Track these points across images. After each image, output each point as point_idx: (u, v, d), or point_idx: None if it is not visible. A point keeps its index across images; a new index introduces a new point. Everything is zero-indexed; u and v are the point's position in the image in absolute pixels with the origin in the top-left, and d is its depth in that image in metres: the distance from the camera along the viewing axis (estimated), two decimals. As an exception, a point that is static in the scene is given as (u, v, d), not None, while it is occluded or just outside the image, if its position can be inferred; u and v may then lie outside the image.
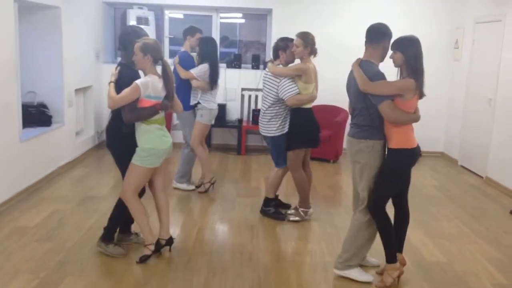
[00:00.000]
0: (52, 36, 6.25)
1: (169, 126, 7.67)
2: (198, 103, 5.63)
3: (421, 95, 3.51)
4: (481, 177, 6.99)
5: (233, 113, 8.31)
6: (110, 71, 4.05)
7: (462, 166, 7.65)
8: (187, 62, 5.59)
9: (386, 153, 3.64)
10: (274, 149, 4.96)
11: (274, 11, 8.06)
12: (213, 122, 5.90)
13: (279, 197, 5.30)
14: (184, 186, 5.88)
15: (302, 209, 5.02)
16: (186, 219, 4.98)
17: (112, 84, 3.75)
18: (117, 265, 3.87)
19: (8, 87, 5.08)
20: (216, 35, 8.28)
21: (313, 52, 4.73)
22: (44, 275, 3.65)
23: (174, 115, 7.59)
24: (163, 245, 4.03)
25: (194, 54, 5.76)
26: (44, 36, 6.22)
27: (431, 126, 8.10)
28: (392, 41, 3.59)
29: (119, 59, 4.12)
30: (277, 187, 5.15)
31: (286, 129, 4.83)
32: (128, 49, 3.85)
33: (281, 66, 4.82)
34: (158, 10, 8.32)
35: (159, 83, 3.78)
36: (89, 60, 7.49)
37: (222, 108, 7.84)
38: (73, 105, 6.85)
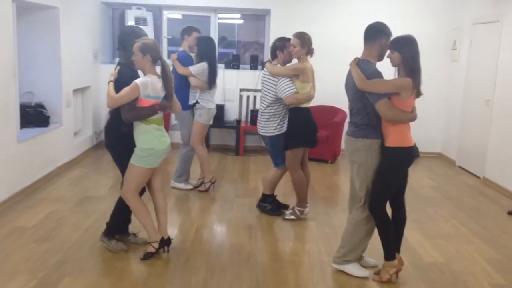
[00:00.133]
0: (50, 36, 6.24)
1: (167, 126, 7.67)
2: (197, 102, 5.64)
3: (418, 94, 3.55)
4: (479, 177, 7.00)
5: (232, 114, 8.32)
6: (108, 71, 4.06)
7: (459, 167, 7.66)
8: (185, 62, 5.60)
9: (383, 152, 3.65)
10: (272, 148, 4.97)
11: (273, 11, 8.07)
12: (211, 122, 5.91)
13: (277, 198, 5.31)
14: (182, 185, 5.89)
15: (298, 208, 5.04)
16: (184, 219, 4.98)
17: (112, 84, 3.76)
18: (115, 265, 3.87)
19: (6, 87, 5.08)
20: (214, 35, 8.28)
21: (310, 51, 4.77)
22: (42, 275, 3.64)
23: (172, 116, 7.60)
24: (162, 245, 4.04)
25: (193, 55, 5.77)
26: (42, 36, 6.22)
27: (429, 126, 8.12)
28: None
29: (117, 59, 4.13)
30: (274, 186, 5.18)
31: (284, 129, 4.85)
32: (127, 49, 3.85)
33: (279, 65, 4.85)
34: (157, 11, 8.32)
35: (158, 83, 3.78)
36: (87, 60, 7.49)
37: (220, 108, 7.84)
38: (71, 106, 6.84)
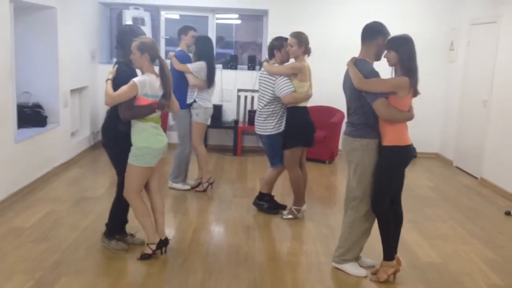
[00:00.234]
0: (47, 36, 6.23)
1: (165, 127, 7.66)
2: (194, 101, 5.64)
3: (415, 93, 3.57)
4: (476, 178, 7.01)
5: (229, 114, 8.32)
6: (106, 71, 4.06)
7: (457, 167, 7.67)
8: (183, 61, 5.61)
9: (381, 151, 3.66)
10: (270, 148, 4.98)
11: (270, 12, 8.07)
12: (209, 122, 5.90)
13: (275, 198, 5.32)
14: (179, 185, 5.89)
15: (294, 207, 5.05)
16: (181, 220, 4.98)
17: (110, 82, 3.76)
18: (113, 266, 3.87)
19: (3, 88, 5.07)
20: (212, 36, 8.27)
21: (307, 51, 4.79)
22: (39, 276, 3.64)
23: (170, 116, 7.59)
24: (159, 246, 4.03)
25: (190, 55, 5.77)
26: (40, 37, 6.21)
27: (427, 127, 8.14)
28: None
29: (114, 59, 4.13)
30: (271, 185, 5.19)
31: (282, 128, 4.86)
32: (125, 48, 3.86)
33: (276, 65, 4.86)
34: (154, 11, 8.31)
35: (156, 82, 3.79)
36: (84, 60, 7.48)
37: (218, 109, 7.84)
38: (69, 106, 6.83)
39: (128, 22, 7.72)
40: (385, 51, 3.60)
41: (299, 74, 4.71)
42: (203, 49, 5.64)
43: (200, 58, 5.60)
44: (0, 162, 5.02)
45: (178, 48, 5.79)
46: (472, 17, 7.36)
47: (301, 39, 4.72)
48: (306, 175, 5.13)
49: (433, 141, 8.40)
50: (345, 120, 3.91)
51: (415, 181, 6.71)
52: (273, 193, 5.28)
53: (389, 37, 3.61)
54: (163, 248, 4.04)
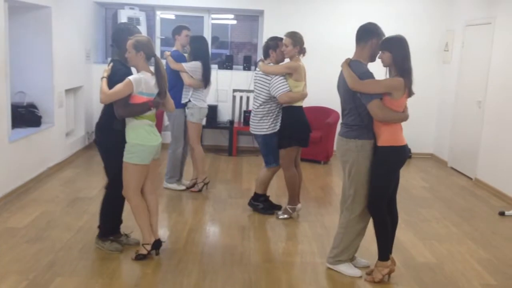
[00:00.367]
0: (42, 36, 6.21)
1: (160, 127, 7.66)
2: (189, 101, 5.63)
3: (410, 93, 3.58)
4: (471, 178, 7.04)
5: (225, 114, 8.31)
6: (100, 71, 4.05)
7: (451, 168, 7.70)
8: (178, 60, 5.60)
9: (376, 151, 3.67)
10: (265, 147, 4.98)
11: (266, 12, 8.07)
12: (204, 122, 5.89)
13: (270, 199, 5.32)
14: (174, 186, 5.88)
15: (289, 206, 5.06)
16: (176, 220, 4.97)
17: (105, 80, 3.75)
18: (107, 266, 3.86)
19: (-2, 87, 5.05)
20: (207, 36, 8.27)
21: (302, 51, 4.81)
22: (33, 276, 3.62)
23: (165, 117, 7.58)
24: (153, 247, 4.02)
25: (186, 54, 5.76)
26: (34, 36, 6.19)
27: (421, 127, 8.16)
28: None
29: (109, 59, 4.12)
30: (266, 185, 5.19)
31: (277, 128, 4.87)
32: (121, 46, 3.86)
33: (271, 64, 4.87)
34: (150, 11, 8.30)
35: (151, 80, 3.78)
36: (79, 60, 7.46)
37: (213, 109, 7.84)
38: (63, 106, 6.81)
39: (123, 21, 7.71)
40: (380, 52, 3.61)
41: (295, 73, 4.72)
42: (198, 49, 5.63)
43: (195, 58, 5.60)
44: (-6, 162, 5.01)
45: (173, 48, 5.79)
46: (466, 18, 7.38)
47: (296, 39, 4.73)
48: (301, 175, 5.14)
49: (428, 142, 8.42)
50: (340, 121, 3.92)
51: (410, 182, 6.72)
52: (268, 194, 5.28)
53: (383, 38, 3.62)
54: (156, 250, 4.01)
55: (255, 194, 5.22)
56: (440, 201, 6.01)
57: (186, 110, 5.70)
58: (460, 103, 7.51)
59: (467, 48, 7.36)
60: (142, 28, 7.87)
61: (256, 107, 4.92)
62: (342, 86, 3.69)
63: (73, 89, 7.33)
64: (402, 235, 4.61)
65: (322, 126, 7.43)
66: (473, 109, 7.01)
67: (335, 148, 3.93)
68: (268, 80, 4.78)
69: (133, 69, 3.90)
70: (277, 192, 5.82)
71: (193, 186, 5.86)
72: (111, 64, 3.89)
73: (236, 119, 8.30)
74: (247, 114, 7.75)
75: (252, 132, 5.03)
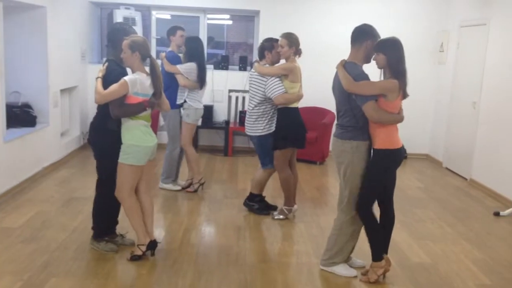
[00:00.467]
0: (37, 36, 6.19)
1: (155, 128, 7.64)
2: (185, 101, 5.62)
3: (404, 95, 3.57)
4: (465, 179, 7.06)
5: (220, 115, 8.31)
6: (96, 71, 4.04)
7: (446, 168, 7.72)
8: (173, 61, 5.59)
9: (371, 153, 3.68)
10: (261, 148, 4.98)
11: (262, 12, 8.07)
12: (200, 122, 5.88)
13: (266, 199, 5.32)
14: (170, 186, 5.87)
15: (285, 207, 5.06)
16: (172, 220, 4.96)
17: (100, 80, 3.74)
18: (102, 266, 3.85)
19: (-8, 87, 5.03)
20: (203, 36, 8.27)
21: (298, 52, 4.80)
22: (28, 277, 3.61)
23: (160, 117, 7.57)
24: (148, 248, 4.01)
25: (181, 55, 5.75)
26: (30, 36, 6.17)
27: (417, 128, 8.19)
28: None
29: (104, 59, 4.11)
30: (263, 186, 5.19)
31: (273, 129, 4.86)
32: (116, 46, 3.85)
33: (267, 65, 4.86)
34: (145, 11, 8.29)
35: (147, 81, 3.78)
36: (75, 60, 7.44)
37: (209, 109, 7.84)
38: (58, 106, 6.79)
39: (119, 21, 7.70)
40: (374, 54, 3.61)
41: (290, 74, 4.72)
42: (193, 50, 5.61)
43: (190, 59, 5.59)
44: (-12, 162, 4.98)
45: (169, 49, 5.78)
46: (461, 19, 7.41)
47: (291, 40, 4.73)
48: (297, 176, 5.14)
49: (423, 142, 8.45)
50: (335, 122, 3.92)
51: (405, 182, 6.74)
52: (264, 194, 5.28)
53: (378, 40, 3.62)
54: (151, 250, 4.01)
55: (251, 194, 5.22)
56: (435, 201, 6.03)
57: (182, 111, 5.69)
58: (455, 103, 7.53)
59: (462, 49, 7.39)
60: (138, 28, 7.86)
61: (251, 108, 4.92)
62: (337, 87, 3.69)
63: (68, 89, 7.31)
64: (397, 235, 4.61)
65: (317, 127, 7.44)
66: (468, 110, 7.04)
67: (330, 148, 3.93)
68: (264, 81, 4.78)
69: (128, 70, 3.89)
70: (272, 194, 5.82)
71: (188, 186, 5.86)
72: (106, 64, 3.89)
73: (231, 119, 8.29)
74: (242, 115, 7.75)
75: (247, 133, 5.03)
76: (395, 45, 3.54)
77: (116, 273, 3.78)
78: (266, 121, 4.86)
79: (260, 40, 5.15)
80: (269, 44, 4.87)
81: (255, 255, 4.25)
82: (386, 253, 3.85)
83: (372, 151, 3.67)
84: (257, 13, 8.23)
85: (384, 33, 3.71)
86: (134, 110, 3.73)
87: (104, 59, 4.14)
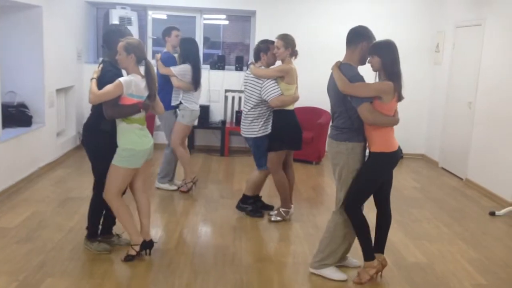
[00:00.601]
0: (33, 35, 6.17)
1: (152, 128, 7.64)
2: (180, 103, 5.61)
3: (399, 98, 3.57)
4: (461, 179, 7.08)
5: (217, 115, 8.31)
6: (92, 71, 4.03)
7: (442, 168, 7.74)
8: (168, 62, 5.57)
9: (368, 156, 3.68)
10: (256, 150, 4.97)
11: (258, 13, 8.07)
12: (196, 123, 5.87)
13: (262, 199, 5.33)
14: (166, 186, 5.87)
15: (283, 209, 5.05)
16: (168, 220, 4.96)
17: (94, 81, 3.74)
18: (98, 267, 3.84)
19: (-12, 87, 5.02)
20: (199, 36, 8.27)
21: (294, 53, 4.78)
22: (23, 277, 3.60)
23: (157, 117, 7.56)
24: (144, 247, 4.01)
25: (176, 55, 5.74)
26: (25, 36, 6.15)
27: (412, 128, 8.21)
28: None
29: (100, 59, 4.11)
30: (259, 188, 5.18)
31: (268, 130, 4.85)
32: (112, 48, 3.85)
33: (263, 67, 4.85)
34: (141, 11, 8.28)
35: (141, 83, 3.77)
36: (70, 60, 7.42)
37: (205, 109, 7.84)
38: (54, 106, 6.78)
39: (115, 21, 7.69)
40: (369, 57, 3.61)
41: (286, 76, 4.70)
42: (187, 51, 5.58)
43: (185, 60, 5.56)
44: (-16, 162, 4.96)
45: (164, 50, 5.77)
46: (457, 20, 7.43)
47: (287, 41, 4.71)
48: (293, 177, 5.13)
49: (419, 143, 8.47)
50: (331, 123, 3.91)
51: (401, 182, 6.76)
52: (260, 194, 5.27)
53: (373, 43, 3.62)
54: (148, 250, 4.01)
55: (244, 196, 5.19)
56: (431, 201, 6.05)
57: (178, 112, 5.67)
58: (451, 104, 7.55)
59: (458, 49, 7.41)
60: (134, 28, 7.85)
61: (247, 110, 4.90)
62: (332, 88, 3.68)
63: (64, 89, 7.29)
64: (393, 235, 4.62)
65: (313, 127, 7.45)
66: (464, 110, 7.06)
67: (327, 148, 3.92)
68: (260, 83, 4.76)
69: (124, 71, 3.88)
70: (269, 193, 5.82)
71: (182, 186, 5.84)
72: (101, 65, 3.88)
73: (228, 119, 8.29)
74: (239, 114, 7.75)
75: (243, 135, 5.01)
76: (390, 47, 3.54)
77: (112, 273, 3.78)
78: (262, 122, 4.84)
79: (257, 40, 5.14)
80: (265, 46, 4.85)
81: (251, 255, 4.25)
82: (383, 252, 3.86)
83: (368, 153, 3.67)
84: (253, 13, 8.23)
85: (380, 34, 3.71)
86: (128, 111, 3.72)
87: (101, 59, 4.14)
